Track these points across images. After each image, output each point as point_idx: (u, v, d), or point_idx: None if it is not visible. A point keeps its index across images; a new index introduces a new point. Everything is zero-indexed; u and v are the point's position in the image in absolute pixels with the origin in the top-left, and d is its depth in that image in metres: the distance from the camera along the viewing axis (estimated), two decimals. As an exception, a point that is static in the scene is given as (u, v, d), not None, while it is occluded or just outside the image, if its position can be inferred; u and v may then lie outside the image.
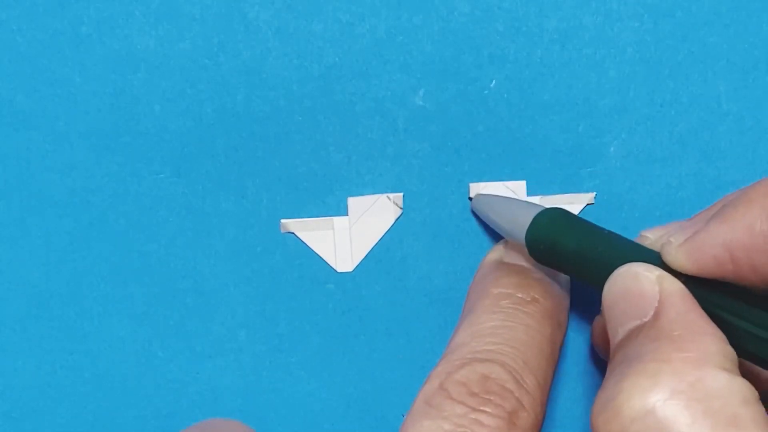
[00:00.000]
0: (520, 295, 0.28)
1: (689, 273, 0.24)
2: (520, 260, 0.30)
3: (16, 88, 0.31)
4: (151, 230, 0.32)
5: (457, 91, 0.31)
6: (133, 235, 0.32)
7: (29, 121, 0.31)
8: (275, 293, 0.32)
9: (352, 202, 0.32)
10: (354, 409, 0.32)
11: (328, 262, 0.32)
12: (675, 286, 0.24)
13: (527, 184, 0.32)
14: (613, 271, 0.25)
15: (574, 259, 0.27)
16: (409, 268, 0.32)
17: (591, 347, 0.32)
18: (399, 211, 0.32)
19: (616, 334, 0.25)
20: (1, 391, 0.32)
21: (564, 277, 0.30)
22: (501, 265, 0.30)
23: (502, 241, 0.31)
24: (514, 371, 0.26)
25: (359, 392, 0.32)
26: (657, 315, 0.24)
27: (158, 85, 0.31)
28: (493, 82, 0.31)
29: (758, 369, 0.26)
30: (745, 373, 0.22)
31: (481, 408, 0.25)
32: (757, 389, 0.22)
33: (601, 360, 0.32)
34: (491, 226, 0.31)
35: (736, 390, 0.21)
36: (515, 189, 0.32)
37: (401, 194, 0.32)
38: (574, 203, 0.32)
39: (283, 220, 0.32)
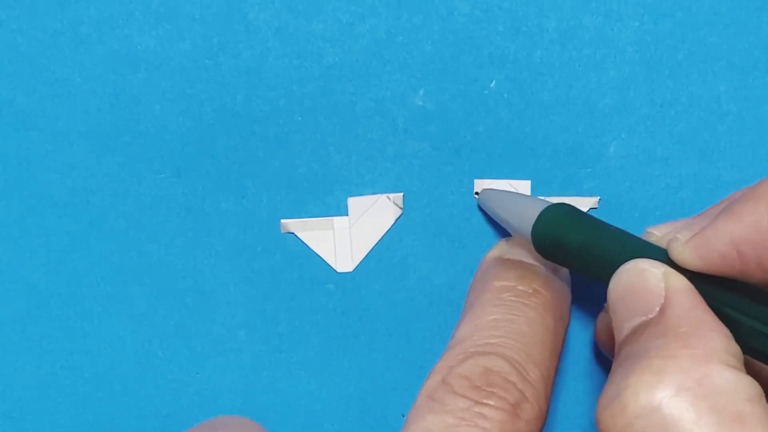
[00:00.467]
0: (521, 288, 0.28)
1: (696, 269, 0.24)
2: (522, 256, 0.30)
3: (16, 88, 0.31)
4: (151, 230, 0.32)
5: (457, 91, 0.31)
6: (133, 235, 0.32)
7: (29, 121, 0.31)
8: (275, 293, 0.32)
9: (352, 202, 0.32)
10: (354, 409, 0.32)
11: (328, 263, 0.32)
12: (681, 282, 0.24)
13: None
14: (619, 267, 0.25)
15: (580, 255, 0.27)
16: (409, 268, 0.32)
17: (591, 347, 0.32)
18: (399, 211, 0.32)
19: (622, 330, 0.25)
20: (1, 391, 0.32)
21: (565, 272, 0.30)
22: (502, 260, 0.30)
23: (503, 239, 0.31)
24: (516, 363, 0.26)
25: (359, 392, 0.32)
26: (663, 311, 0.24)
27: (158, 85, 0.31)
28: (493, 82, 0.31)
29: (763, 366, 0.26)
30: (749, 371, 0.22)
31: (485, 401, 0.25)
32: (762, 386, 0.22)
33: (601, 359, 0.32)
34: (497, 220, 0.31)
35: (742, 387, 0.21)
36: (520, 188, 0.32)
37: (401, 194, 0.32)
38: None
39: (283, 220, 0.32)
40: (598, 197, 0.32)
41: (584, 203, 0.32)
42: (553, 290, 0.29)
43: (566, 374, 0.32)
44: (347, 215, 0.32)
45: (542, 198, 0.31)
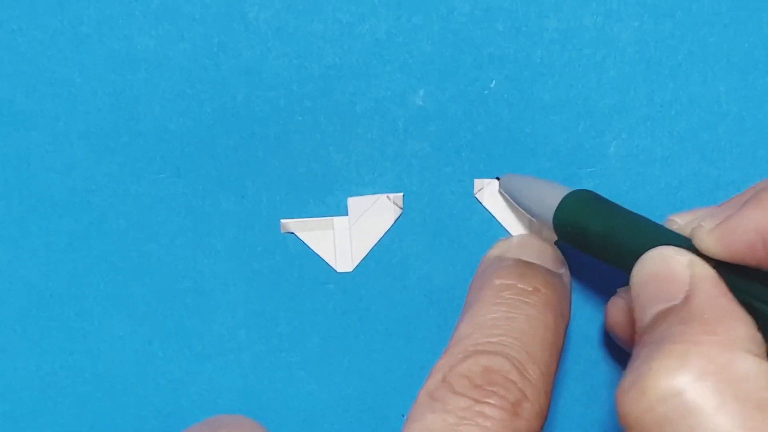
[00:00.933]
0: (521, 286, 0.28)
1: (720, 258, 0.24)
2: (522, 255, 0.30)
3: (16, 88, 0.31)
4: (151, 230, 0.32)
5: (457, 91, 0.31)
6: (133, 235, 0.32)
7: (29, 121, 0.31)
8: (275, 293, 0.32)
9: (352, 202, 0.32)
10: (354, 409, 0.32)
11: (328, 263, 0.32)
12: (706, 271, 0.24)
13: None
14: (641, 254, 0.25)
15: (602, 241, 0.27)
16: (409, 268, 0.32)
17: (592, 345, 0.32)
18: (399, 211, 0.32)
19: (645, 315, 0.25)
20: (1, 391, 0.32)
21: (565, 271, 0.30)
22: (502, 259, 0.30)
23: (503, 238, 0.31)
24: (516, 362, 0.25)
25: (359, 392, 0.32)
26: (688, 299, 0.24)
27: (158, 85, 0.31)
28: (493, 82, 0.31)
29: None
30: None
31: (485, 400, 0.25)
32: None
33: (602, 359, 0.32)
34: (518, 206, 0.31)
35: (765, 375, 0.21)
36: None
37: (401, 194, 0.32)
38: None
39: (283, 220, 0.32)
40: None
41: None
42: (554, 288, 0.29)
43: (566, 373, 0.32)
44: (347, 215, 0.32)
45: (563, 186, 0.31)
